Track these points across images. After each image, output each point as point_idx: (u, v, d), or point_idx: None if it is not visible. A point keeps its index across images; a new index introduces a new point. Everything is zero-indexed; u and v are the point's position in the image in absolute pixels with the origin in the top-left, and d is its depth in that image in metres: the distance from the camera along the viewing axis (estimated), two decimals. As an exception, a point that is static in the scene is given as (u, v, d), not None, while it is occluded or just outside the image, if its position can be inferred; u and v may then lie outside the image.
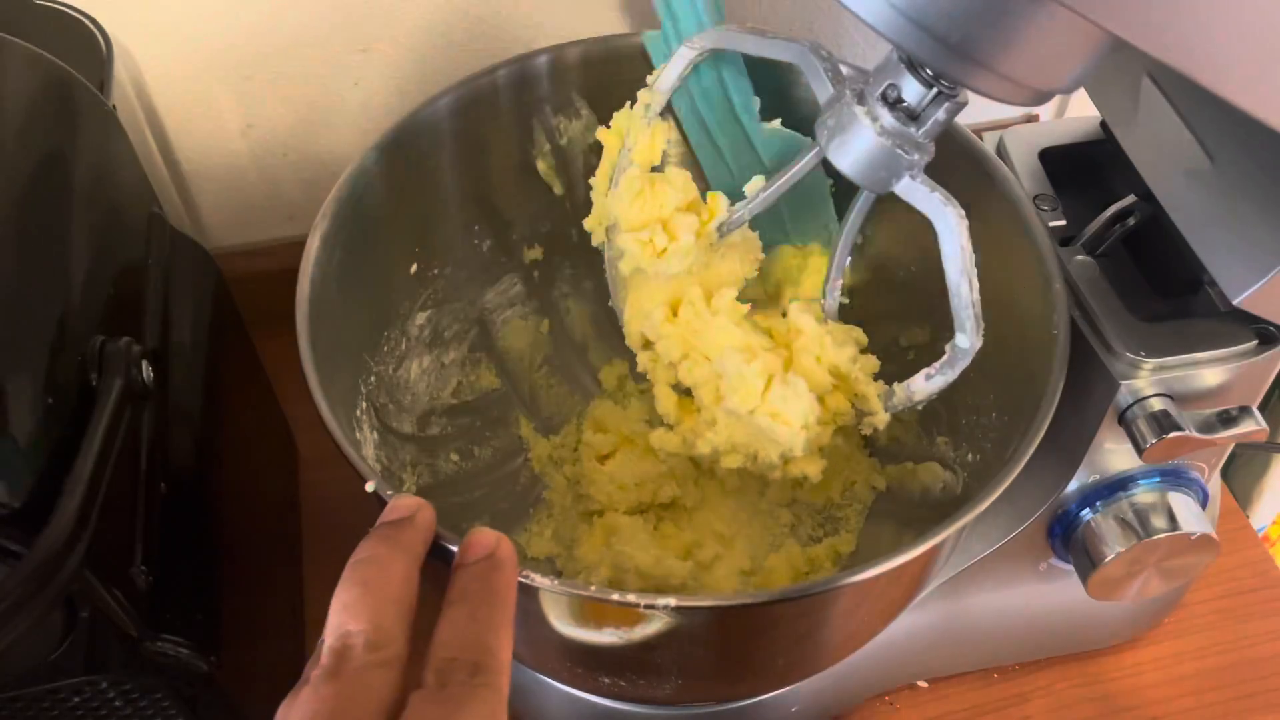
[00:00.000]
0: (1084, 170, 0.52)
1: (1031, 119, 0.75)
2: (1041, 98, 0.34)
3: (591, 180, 0.54)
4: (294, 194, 0.68)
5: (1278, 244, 0.40)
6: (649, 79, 0.51)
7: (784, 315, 0.52)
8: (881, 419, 0.49)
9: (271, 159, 0.66)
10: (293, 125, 0.64)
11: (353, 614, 0.31)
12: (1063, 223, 0.49)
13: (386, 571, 0.33)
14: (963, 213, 0.41)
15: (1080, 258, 0.48)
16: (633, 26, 0.56)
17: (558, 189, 0.58)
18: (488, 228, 0.58)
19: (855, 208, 0.46)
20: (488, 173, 0.56)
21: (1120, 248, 0.49)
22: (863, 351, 0.50)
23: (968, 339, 0.43)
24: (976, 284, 0.41)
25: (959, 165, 0.48)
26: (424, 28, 0.62)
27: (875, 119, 0.38)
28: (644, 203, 0.50)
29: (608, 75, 0.54)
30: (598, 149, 0.55)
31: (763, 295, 0.57)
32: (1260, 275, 0.40)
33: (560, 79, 0.54)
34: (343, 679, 0.30)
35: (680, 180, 0.51)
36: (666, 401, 0.55)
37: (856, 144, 0.40)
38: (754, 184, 0.50)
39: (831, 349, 0.49)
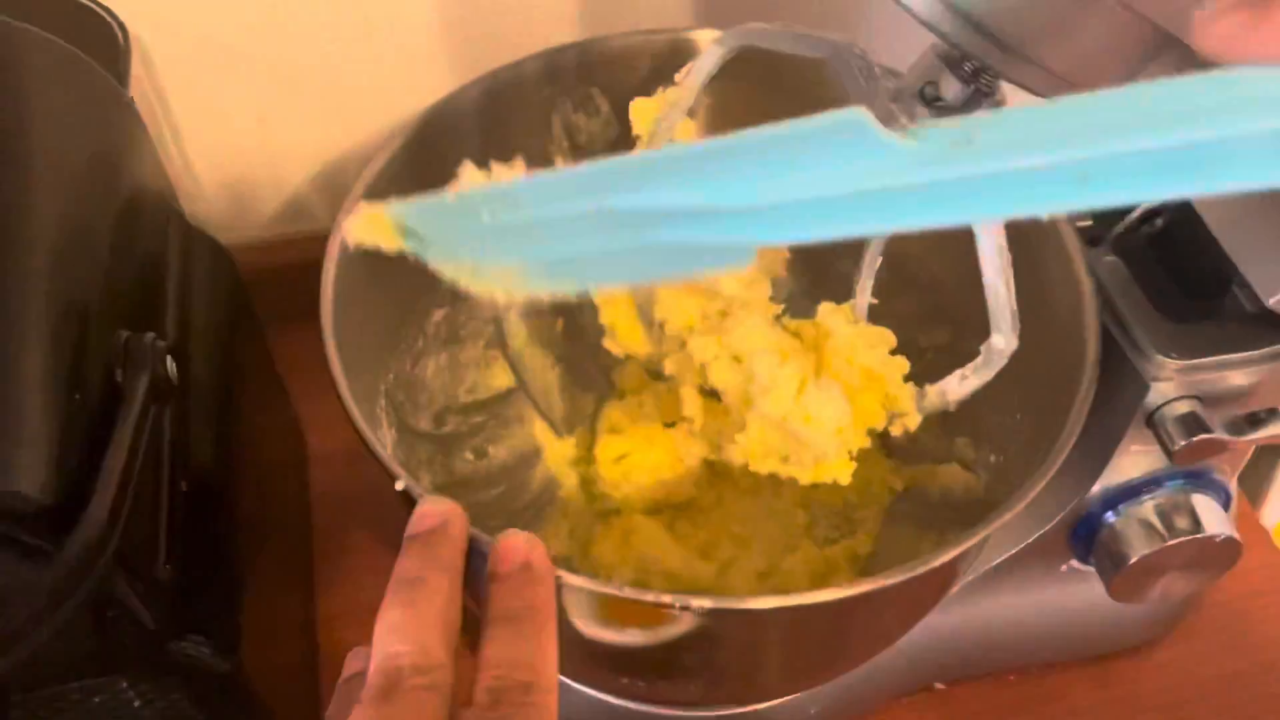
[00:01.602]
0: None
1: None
2: (1080, 91, 0.34)
3: None
4: (307, 189, 0.67)
5: None
6: (677, 76, 0.50)
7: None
8: (914, 420, 0.48)
9: (285, 153, 0.65)
10: (306, 119, 0.64)
11: (399, 636, 0.31)
12: (1090, 223, 0.49)
13: (430, 591, 0.33)
14: None
15: (1108, 258, 0.48)
16: (651, 23, 0.55)
17: (575, 185, 0.57)
18: (506, 224, 0.57)
19: None
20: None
21: (1148, 248, 0.49)
22: (892, 353, 0.50)
23: (1004, 340, 0.42)
24: (1013, 285, 0.41)
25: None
26: (439, 20, 0.61)
27: (912, 118, 0.38)
28: None
29: (630, 73, 0.53)
30: (616, 145, 0.54)
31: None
32: None
33: (585, 74, 0.54)
34: (393, 702, 0.30)
35: None
36: (692, 404, 0.54)
37: None
38: None
39: (863, 351, 0.49)
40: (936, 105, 0.38)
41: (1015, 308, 0.41)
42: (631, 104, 0.51)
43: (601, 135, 0.56)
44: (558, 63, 0.53)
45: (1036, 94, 0.34)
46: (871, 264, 0.48)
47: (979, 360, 0.43)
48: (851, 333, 0.49)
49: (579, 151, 0.56)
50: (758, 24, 0.46)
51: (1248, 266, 0.41)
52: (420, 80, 0.63)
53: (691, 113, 0.52)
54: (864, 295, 0.50)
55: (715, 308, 0.51)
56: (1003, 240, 0.40)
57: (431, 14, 0.61)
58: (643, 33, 0.54)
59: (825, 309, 0.50)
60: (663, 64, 0.52)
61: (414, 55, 0.62)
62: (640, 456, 0.60)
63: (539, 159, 0.56)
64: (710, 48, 0.48)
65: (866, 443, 0.49)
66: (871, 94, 0.40)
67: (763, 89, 0.54)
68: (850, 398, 0.48)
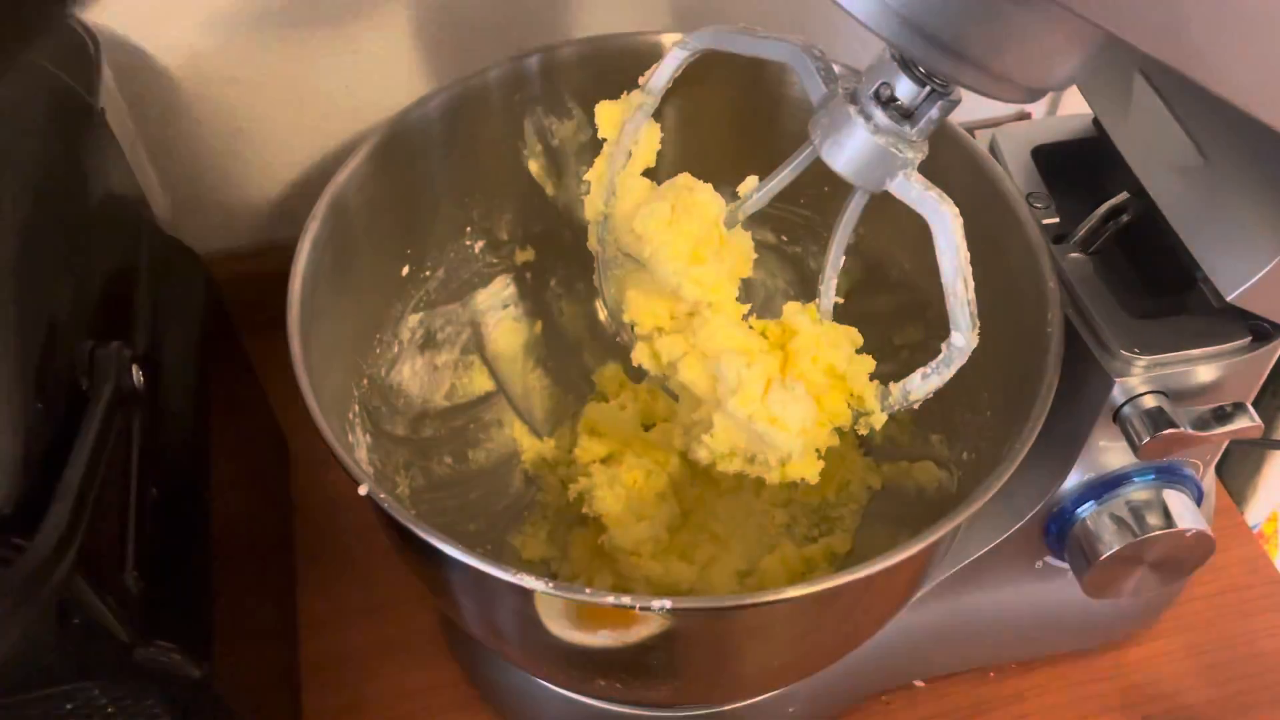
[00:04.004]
0: (1077, 168, 0.52)
1: (1024, 117, 0.75)
2: (1035, 95, 0.34)
3: (587, 176, 0.54)
4: (285, 196, 0.68)
5: (1270, 240, 0.40)
6: (641, 80, 0.50)
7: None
8: (878, 419, 0.48)
9: (261, 162, 0.65)
10: (283, 127, 0.64)
11: None
12: (1056, 220, 0.49)
13: None
14: (957, 211, 0.41)
15: (1074, 255, 0.48)
16: (627, 27, 0.56)
17: (550, 190, 0.58)
18: (479, 229, 0.58)
19: (849, 207, 0.46)
20: (479, 174, 0.56)
21: (1114, 245, 0.49)
22: (859, 351, 0.50)
23: (964, 337, 0.42)
24: (972, 283, 0.41)
25: (952, 164, 0.48)
26: (415, 29, 0.61)
27: (869, 117, 0.38)
28: (678, 231, 0.49)
29: (600, 75, 0.54)
30: (590, 150, 0.55)
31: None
32: (1253, 272, 0.40)
33: (552, 79, 0.54)
34: None
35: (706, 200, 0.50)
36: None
37: (850, 143, 0.40)
38: (747, 184, 0.50)
39: (827, 350, 0.49)
40: (893, 105, 0.38)
41: (975, 306, 0.41)
42: (597, 107, 0.52)
43: (574, 139, 0.56)
44: (526, 68, 0.53)
45: (988, 96, 0.34)
46: (835, 263, 0.49)
47: (940, 358, 0.43)
48: (816, 332, 0.50)
49: (552, 154, 0.57)
50: (718, 26, 0.46)
51: (1209, 263, 0.41)
52: (394, 90, 0.64)
53: (662, 114, 0.52)
54: (829, 294, 0.50)
55: (683, 309, 0.51)
56: (960, 239, 0.40)
57: (403, 25, 0.61)
58: (611, 36, 0.54)
59: (791, 308, 0.50)
60: (631, 65, 0.52)
61: (386, 65, 0.62)
62: (619, 458, 0.60)
63: (510, 163, 0.56)
64: (672, 51, 0.48)
65: (835, 441, 0.49)
66: (830, 95, 0.41)
67: (737, 88, 0.54)
68: (816, 397, 0.48)
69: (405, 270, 0.55)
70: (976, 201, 0.49)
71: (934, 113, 0.38)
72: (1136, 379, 0.45)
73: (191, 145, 0.63)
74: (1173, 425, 0.44)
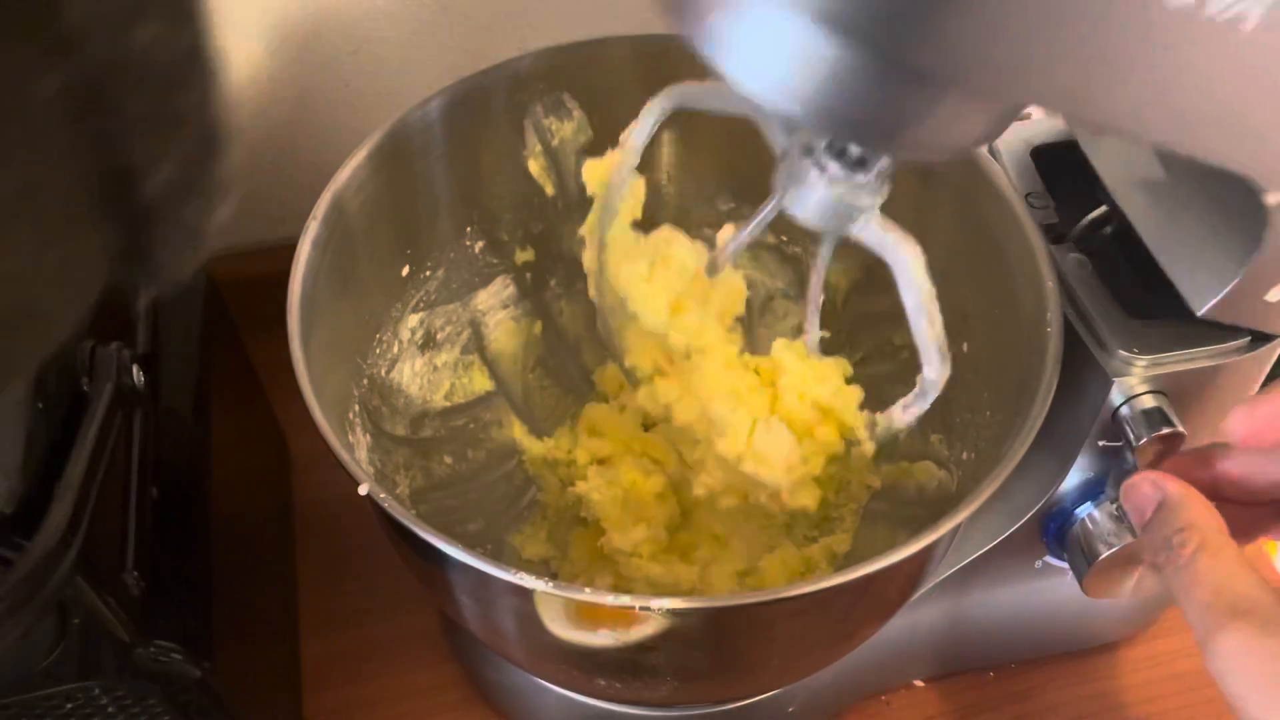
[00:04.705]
0: (1076, 167, 0.52)
1: (1023, 117, 0.75)
2: (960, 154, 0.34)
3: (581, 231, 0.55)
4: (285, 197, 0.68)
5: (1232, 256, 0.40)
6: (621, 138, 0.51)
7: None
8: (869, 448, 0.50)
9: (262, 162, 0.65)
10: (282, 128, 0.64)
11: None
12: (1055, 220, 0.49)
13: None
14: (918, 250, 0.41)
15: (1073, 255, 0.48)
16: (626, 29, 0.56)
17: (550, 190, 0.58)
18: (479, 229, 0.58)
19: (821, 251, 0.46)
20: (479, 174, 0.56)
21: (1113, 245, 0.49)
22: (850, 380, 0.51)
23: (935, 371, 0.43)
24: (939, 319, 0.41)
25: (950, 163, 0.48)
26: (415, 29, 0.62)
27: (823, 169, 0.39)
28: (658, 285, 0.51)
29: (600, 76, 0.54)
30: (590, 150, 0.55)
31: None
32: (1217, 289, 0.40)
33: (552, 80, 0.54)
34: None
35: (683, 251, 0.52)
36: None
37: (809, 194, 0.40)
38: (723, 233, 0.51)
39: (814, 385, 0.50)
40: (845, 157, 0.39)
41: (944, 339, 0.42)
42: (584, 166, 0.52)
43: (574, 139, 0.56)
44: (525, 69, 0.53)
45: (913, 161, 0.34)
46: (815, 300, 0.49)
47: (916, 391, 0.44)
48: (803, 369, 0.51)
49: (552, 154, 0.57)
50: (688, 84, 0.47)
51: (1176, 277, 0.42)
52: (395, 89, 0.64)
53: (661, 135, 0.52)
54: (813, 330, 0.51)
55: (679, 352, 0.53)
56: (921, 277, 0.40)
57: (406, 24, 0.61)
58: (611, 38, 0.54)
59: (778, 345, 0.52)
60: (632, 67, 0.52)
61: (389, 65, 0.62)
62: (618, 459, 0.61)
63: (510, 163, 0.56)
64: (645, 109, 0.48)
65: (821, 471, 0.51)
66: (790, 147, 0.41)
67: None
68: (808, 430, 0.50)
69: (405, 270, 0.55)
70: (974, 201, 0.49)
71: (883, 162, 0.39)
72: (1135, 379, 0.45)
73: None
74: (1171, 426, 0.44)
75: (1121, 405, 0.45)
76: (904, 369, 0.58)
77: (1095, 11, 0.25)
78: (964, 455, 0.52)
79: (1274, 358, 0.46)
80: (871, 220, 0.40)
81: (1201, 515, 0.36)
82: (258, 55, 0.60)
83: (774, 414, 0.50)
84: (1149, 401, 0.45)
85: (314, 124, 0.64)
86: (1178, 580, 0.35)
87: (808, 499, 0.50)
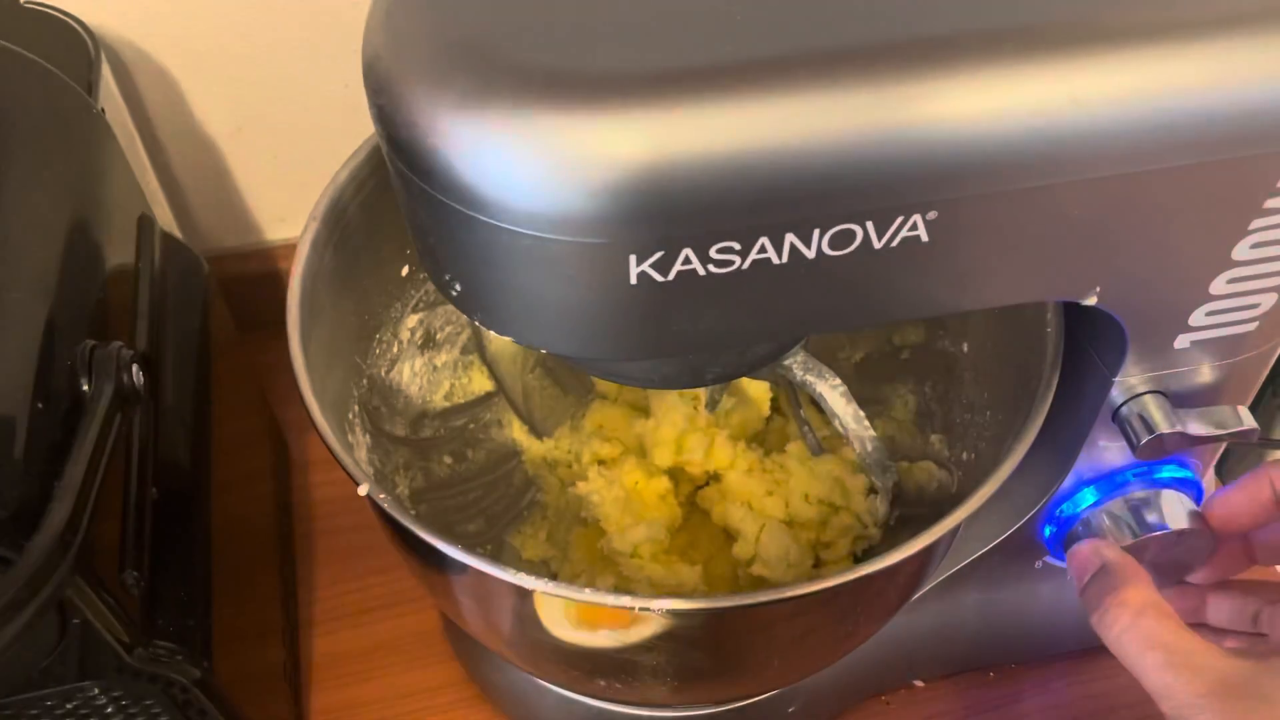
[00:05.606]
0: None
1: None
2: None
3: None
4: (284, 196, 0.68)
5: None
6: None
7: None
8: (875, 535, 0.54)
9: (261, 161, 0.65)
10: (283, 127, 0.64)
11: None
12: (1055, 220, 0.49)
13: None
14: (836, 382, 0.47)
15: (1073, 255, 0.48)
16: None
17: (549, 190, 0.58)
18: (479, 229, 0.58)
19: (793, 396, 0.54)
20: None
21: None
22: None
23: (881, 483, 0.52)
24: (869, 440, 0.49)
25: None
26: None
27: None
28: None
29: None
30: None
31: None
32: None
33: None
34: None
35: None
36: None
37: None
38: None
39: (817, 486, 0.55)
40: None
41: (881, 454, 0.50)
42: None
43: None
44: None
45: None
46: (797, 413, 0.54)
47: (879, 493, 0.52)
48: (804, 472, 0.55)
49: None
50: None
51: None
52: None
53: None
54: (810, 434, 0.55)
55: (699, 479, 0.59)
56: (845, 407, 0.47)
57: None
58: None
59: (792, 450, 0.56)
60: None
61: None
62: (619, 460, 0.61)
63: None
64: None
65: (843, 552, 0.55)
66: None
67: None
68: (823, 521, 0.55)
69: (405, 270, 0.55)
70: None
71: None
72: (1135, 379, 0.45)
73: (191, 144, 0.63)
74: (1170, 426, 0.44)
75: (1121, 405, 0.45)
76: (904, 369, 0.58)
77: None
78: (964, 455, 0.52)
79: (1274, 358, 0.46)
80: (794, 366, 0.47)
81: (1130, 593, 0.41)
82: (256, 54, 0.60)
83: (786, 515, 0.55)
84: (1149, 401, 0.45)
85: (314, 124, 0.64)
86: (1113, 646, 0.41)
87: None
